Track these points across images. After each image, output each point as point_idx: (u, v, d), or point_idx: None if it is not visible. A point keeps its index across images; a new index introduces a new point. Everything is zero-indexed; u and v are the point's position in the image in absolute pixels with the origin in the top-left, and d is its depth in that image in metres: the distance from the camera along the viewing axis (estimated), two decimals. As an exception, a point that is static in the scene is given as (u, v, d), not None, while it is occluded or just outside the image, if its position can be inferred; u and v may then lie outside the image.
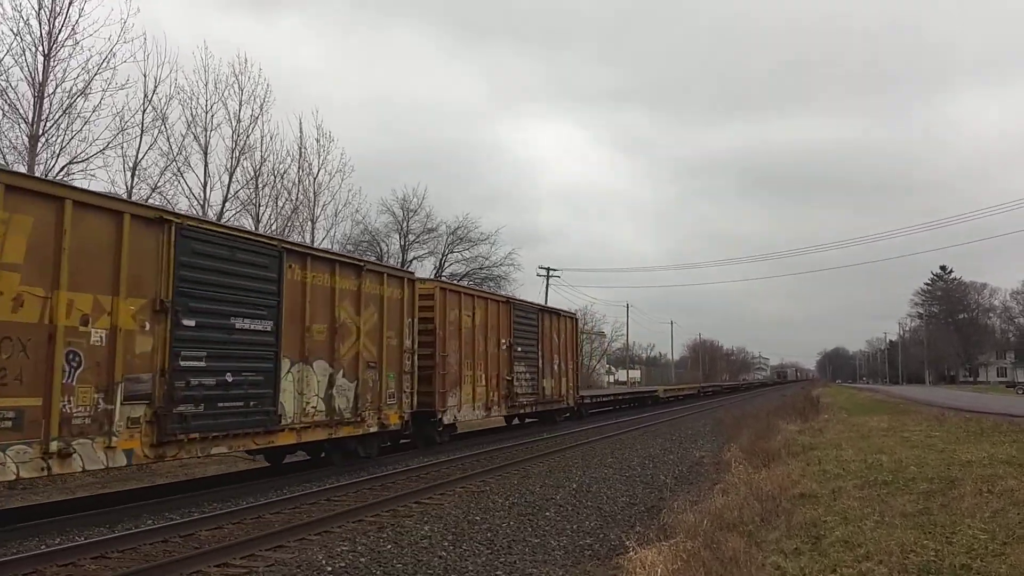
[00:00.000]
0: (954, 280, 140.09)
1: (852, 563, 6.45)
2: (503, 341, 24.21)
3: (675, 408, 48.19)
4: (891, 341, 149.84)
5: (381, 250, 43.38)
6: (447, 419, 20.78)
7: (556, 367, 28.71)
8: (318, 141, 33.18)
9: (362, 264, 16.83)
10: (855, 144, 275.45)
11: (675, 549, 7.48)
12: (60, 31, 21.71)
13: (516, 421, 29.37)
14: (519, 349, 25.04)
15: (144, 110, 24.88)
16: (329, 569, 8.50)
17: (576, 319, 32.11)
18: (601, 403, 40.91)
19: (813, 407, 32.54)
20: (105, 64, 22.39)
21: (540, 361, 26.85)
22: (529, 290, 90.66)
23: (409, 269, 43.40)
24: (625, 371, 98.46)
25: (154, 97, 25.25)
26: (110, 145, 23.10)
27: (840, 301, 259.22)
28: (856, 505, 9.24)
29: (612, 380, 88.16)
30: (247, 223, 29.93)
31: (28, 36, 21.30)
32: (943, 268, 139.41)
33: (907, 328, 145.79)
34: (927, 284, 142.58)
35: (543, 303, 35.91)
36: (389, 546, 9.63)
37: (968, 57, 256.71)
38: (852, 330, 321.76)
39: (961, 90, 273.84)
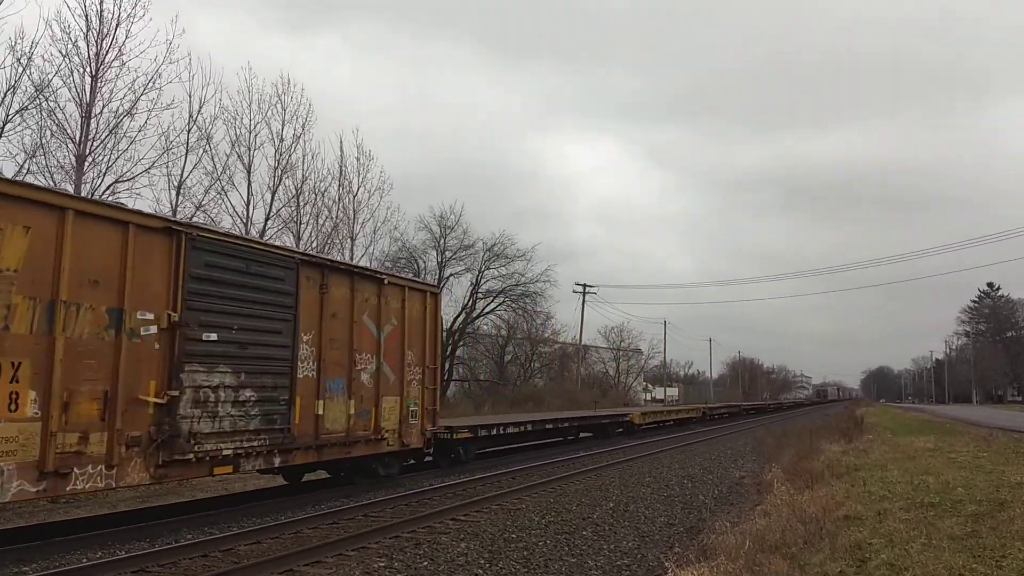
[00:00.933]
0: (1001, 297, 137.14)
1: (899, 587, 6.29)
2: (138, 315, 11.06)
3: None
4: (937, 360, 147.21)
5: (419, 267, 43.67)
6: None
7: (369, 376, 15.76)
8: (358, 160, 33.63)
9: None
10: (900, 158, 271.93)
11: (715, 571, 7.35)
12: (107, 52, 22.32)
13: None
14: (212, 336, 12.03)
15: (189, 130, 25.46)
16: (366, 586, 8.47)
17: (435, 293, 18.68)
18: (499, 439, 23.63)
19: (857, 427, 31.94)
20: (151, 84, 22.99)
21: (313, 363, 14.16)
22: (565, 307, 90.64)
23: (445, 286, 43.92)
24: (663, 389, 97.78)
25: (199, 117, 25.84)
26: (155, 164, 23.67)
27: (885, 320, 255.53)
28: (902, 527, 9.02)
29: (649, 398, 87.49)
30: (288, 240, 30.35)
31: (76, 57, 21.91)
32: (990, 285, 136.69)
33: (953, 347, 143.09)
34: (974, 301, 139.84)
35: (345, 260, 22.18)
36: (425, 563, 9.60)
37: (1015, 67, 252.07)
38: (897, 349, 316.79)
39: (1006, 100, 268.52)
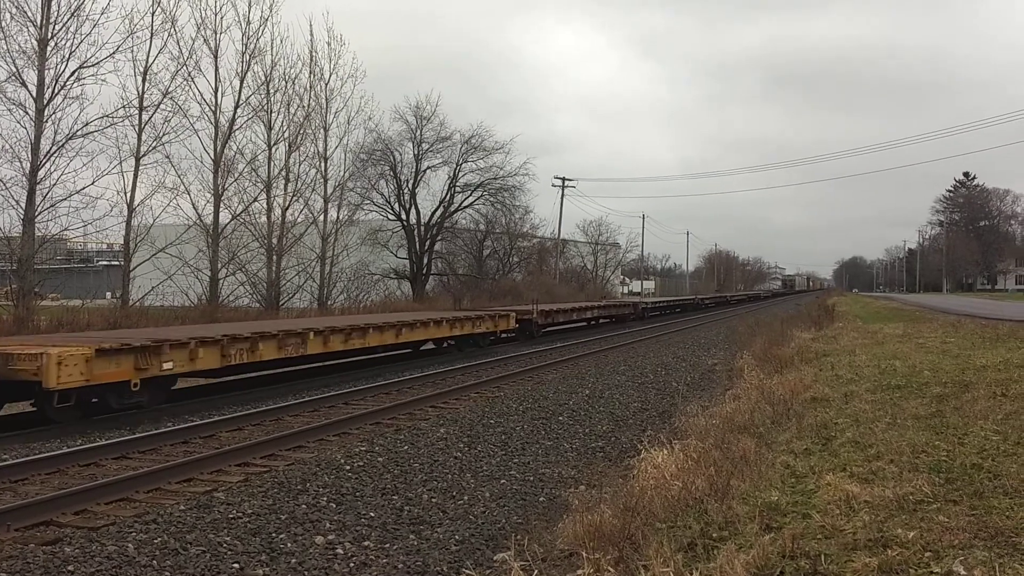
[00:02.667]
0: (977, 187, 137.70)
1: (862, 462, 6.48)
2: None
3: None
4: (910, 249, 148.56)
5: (394, 159, 42.95)
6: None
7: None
8: (329, 45, 32.56)
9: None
10: (889, 41, 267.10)
11: (686, 450, 7.55)
12: (67, -72, 21.22)
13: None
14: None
15: (153, 12, 24.47)
16: (348, 468, 8.67)
17: None
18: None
19: (828, 315, 32.51)
20: (113, -38, 21.91)
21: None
22: (545, 200, 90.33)
23: (421, 179, 43.54)
24: (640, 282, 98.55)
25: (162, -2, 24.77)
26: (120, 49, 22.81)
27: (860, 210, 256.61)
28: (868, 408, 9.26)
29: (626, 291, 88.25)
30: (259, 131, 29.69)
31: (34, -65, 20.84)
32: (966, 174, 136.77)
33: (927, 236, 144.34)
34: (949, 191, 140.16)
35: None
36: (406, 447, 9.80)
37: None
38: (871, 239, 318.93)
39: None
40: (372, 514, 7.23)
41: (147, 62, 24.46)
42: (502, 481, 8.69)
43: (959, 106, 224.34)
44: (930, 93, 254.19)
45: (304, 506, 7.33)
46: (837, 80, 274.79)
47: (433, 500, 7.79)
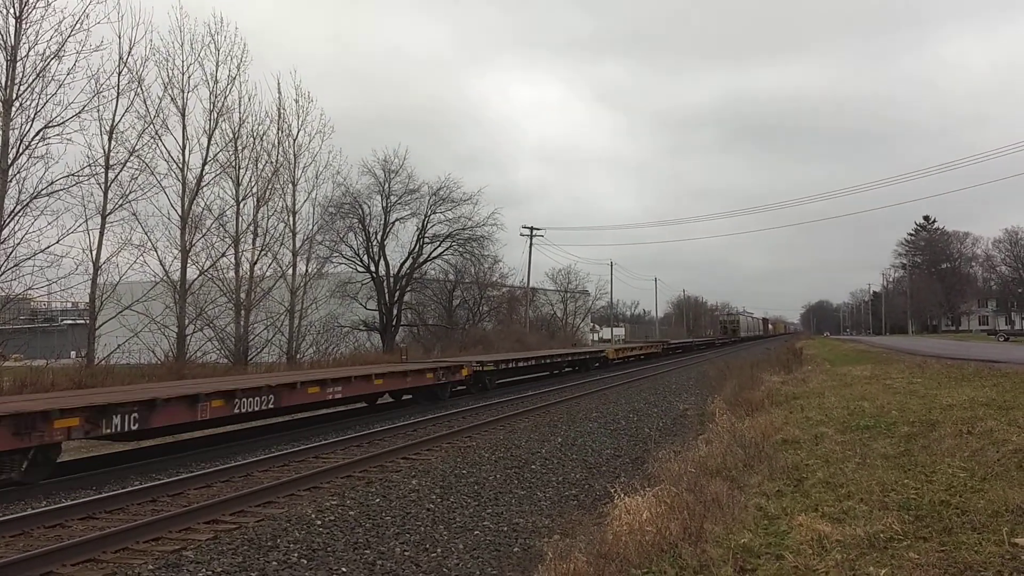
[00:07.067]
0: (937, 230, 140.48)
1: (833, 502, 6.53)
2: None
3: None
4: (875, 292, 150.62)
5: (363, 212, 43.07)
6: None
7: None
8: (297, 102, 32.79)
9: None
10: (839, 93, 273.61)
11: (659, 495, 7.55)
12: (32, -8, 21.36)
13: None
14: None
15: (120, 72, 24.61)
16: (319, 523, 8.55)
17: None
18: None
19: (796, 359, 32.81)
20: (79, 26, 22.14)
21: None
22: (513, 250, 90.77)
23: (390, 231, 43.57)
24: (610, 329, 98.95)
25: (129, 59, 25.01)
26: (86, 108, 22.90)
27: (825, 254, 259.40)
28: (838, 449, 9.33)
29: (596, 338, 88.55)
30: (227, 187, 29.68)
31: (-3, -2, 20.94)
32: (926, 218, 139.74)
33: (890, 279, 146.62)
34: (910, 234, 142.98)
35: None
36: (378, 500, 9.70)
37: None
38: (836, 283, 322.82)
39: (948, 32, 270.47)
40: (344, 569, 7.14)
41: (113, 121, 24.54)
42: (476, 532, 8.62)
43: (910, 152, 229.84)
44: (882, 140, 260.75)
45: (275, 563, 7.21)
46: (787, 131, 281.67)
47: (406, 553, 7.70)
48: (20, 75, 21.30)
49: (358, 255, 43.33)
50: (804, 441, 10.09)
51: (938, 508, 6.05)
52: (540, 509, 9.76)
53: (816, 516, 6.00)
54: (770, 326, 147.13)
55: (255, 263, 30.51)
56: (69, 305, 49.29)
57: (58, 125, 21.95)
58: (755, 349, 64.74)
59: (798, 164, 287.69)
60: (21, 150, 21.29)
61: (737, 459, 9.27)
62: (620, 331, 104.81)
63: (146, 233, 26.28)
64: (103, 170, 24.20)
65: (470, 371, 23.33)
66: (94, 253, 24.20)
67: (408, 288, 45.86)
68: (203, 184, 28.37)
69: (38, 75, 21.53)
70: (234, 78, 29.27)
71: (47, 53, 21.66)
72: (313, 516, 8.81)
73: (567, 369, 35.54)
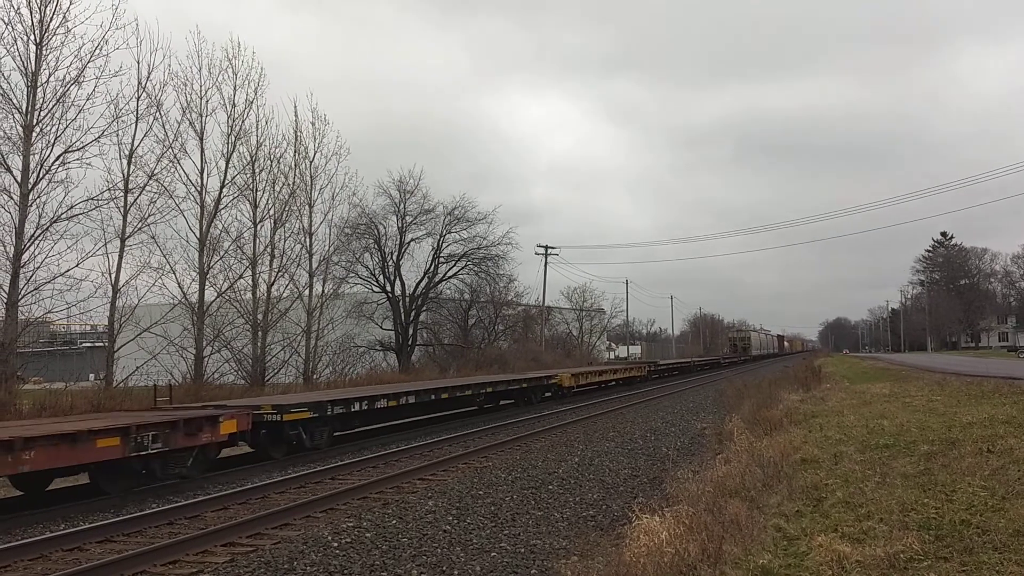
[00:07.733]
0: (955, 246, 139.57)
1: (853, 522, 6.48)
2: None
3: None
4: (893, 309, 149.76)
5: (379, 232, 43.24)
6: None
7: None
8: (313, 124, 33.04)
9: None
10: (857, 108, 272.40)
11: (678, 515, 7.51)
12: (52, 18, 21.75)
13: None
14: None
15: (139, 97, 24.88)
16: (335, 545, 8.55)
17: None
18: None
19: (815, 377, 32.57)
20: (98, 51, 22.43)
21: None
22: (528, 268, 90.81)
23: (406, 251, 43.71)
24: (626, 347, 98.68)
25: (148, 84, 25.23)
26: (105, 133, 23.11)
27: (842, 271, 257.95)
28: (858, 468, 9.27)
29: (613, 356, 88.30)
30: (245, 209, 29.91)
31: (19, 25, 21.32)
32: (944, 234, 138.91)
33: (908, 296, 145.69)
34: (928, 251, 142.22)
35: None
36: (394, 521, 9.69)
37: (968, 14, 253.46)
38: (854, 300, 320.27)
39: (964, 48, 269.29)
40: (361, 591, 7.12)
41: (132, 145, 24.79)
42: (492, 554, 8.58)
43: (927, 168, 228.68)
44: (898, 157, 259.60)
45: (292, 585, 7.21)
46: (805, 148, 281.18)
47: None
48: (40, 101, 21.59)
49: (374, 275, 43.45)
50: (823, 460, 10.03)
51: (959, 528, 5.99)
52: (557, 530, 9.71)
53: (836, 536, 5.95)
54: (786, 343, 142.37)
55: (272, 284, 30.71)
56: (88, 328, 49.75)
57: (78, 150, 22.21)
58: (771, 367, 64.28)
59: (815, 180, 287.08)
60: (41, 175, 21.51)
61: (756, 479, 9.22)
62: (636, 349, 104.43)
63: (164, 256, 26.49)
64: (122, 194, 24.43)
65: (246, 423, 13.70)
66: (113, 276, 24.40)
67: (424, 308, 45.89)
68: (221, 207, 28.61)
69: (58, 101, 21.81)
70: (251, 102, 29.58)
71: (67, 79, 21.95)
72: (330, 538, 8.81)
73: (487, 405, 24.30)
